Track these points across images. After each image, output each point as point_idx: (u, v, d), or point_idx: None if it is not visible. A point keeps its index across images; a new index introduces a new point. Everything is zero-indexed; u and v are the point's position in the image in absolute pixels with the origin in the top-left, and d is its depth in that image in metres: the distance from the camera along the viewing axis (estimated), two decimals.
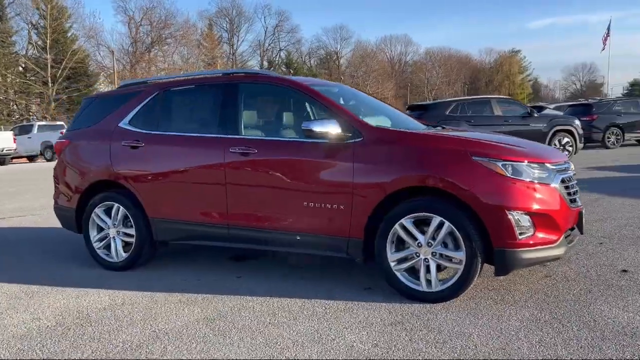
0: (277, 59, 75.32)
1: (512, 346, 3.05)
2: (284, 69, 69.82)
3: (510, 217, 3.56)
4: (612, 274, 4.28)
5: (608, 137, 17.98)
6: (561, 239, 3.74)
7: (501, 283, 4.16)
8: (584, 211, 4.10)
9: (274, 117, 4.88)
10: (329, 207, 4.05)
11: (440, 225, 3.72)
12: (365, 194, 3.91)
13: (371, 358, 2.99)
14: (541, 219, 3.63)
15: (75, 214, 5.18)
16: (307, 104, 4.57)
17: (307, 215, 4.14)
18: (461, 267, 3.69)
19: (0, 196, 11.69)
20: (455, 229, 3.66)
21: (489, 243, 3.64)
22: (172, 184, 4.67)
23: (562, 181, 3.86)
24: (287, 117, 4.74)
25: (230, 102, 4.56)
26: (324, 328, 3.44)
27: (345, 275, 4.58)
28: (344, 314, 3.67)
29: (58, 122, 30.80)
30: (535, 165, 3.73)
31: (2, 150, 25.50)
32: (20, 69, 47.42)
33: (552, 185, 3.73)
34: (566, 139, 13.93)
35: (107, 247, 5.05)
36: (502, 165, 3.64)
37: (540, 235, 3.63)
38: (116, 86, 47.54)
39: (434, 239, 3.77)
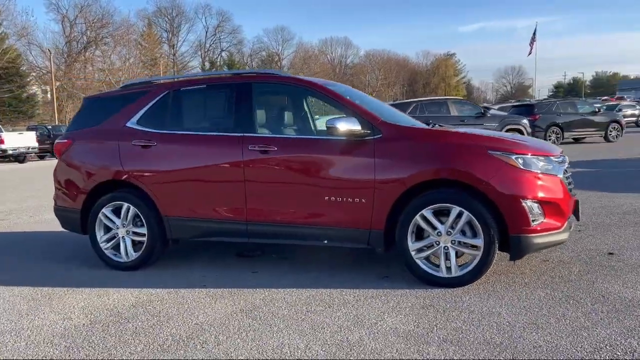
0: (218, 59, 74.53)
1: (541, 320, 3.37)
2: (226, 70, 69.14)
3: (524, 205, 3.89)
4: (600, 257, 4.72)
5: (549, 136, 19.08)
6: (565, 224, 4.12)
7: (506, 268, 4.50)
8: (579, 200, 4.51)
9: (289, 116, 5.03)
10: (351, 200, 4.26)
11: (459, 215, 4.01)
12: (387, 187, 4.15)
13: (420, 337, 3.22)
14: (549, 207, 3.99)
15: (81, 215, 5.13)
16: (323, 103, 4.75)
17: (329, 209, 4.33)
18: (479, 253, 3.99)
19: None
20: (474, 218, 3.96)
21: (504, 230, 3.96)
22: (187, 182, 4.74)
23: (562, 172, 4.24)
24: (302, 116, 4.91)
25: (245, 102, 4.68)
26: (362, 314, 3.64)
27: (359, 266, 4.80)
28: (374, 300, 3.89)
29: None
30: (542, 158, 4.09)
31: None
32: None
33: (558, 175, 4.11)
34: None
35: (115, 247, 5.04)
36: (515, 158, 3.98)
37: (549, 221, 3.99)
38: (53, 87, 45.80)
39: (452, 228, 4.05)
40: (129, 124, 5.01)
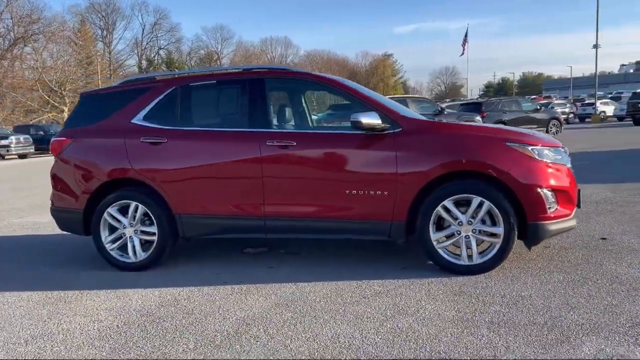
0: (156, 58, 72.65)
1: (572, 301, 3.59)
2: (164, 69, 67.51)
3: (541, 193, 4.12)
4: (596, 242, 5.04)
5: None
6: (574, 211, 4.38)
7: (513, 255, 4.72)
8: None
9: (305, 111, 5.05)
10: (373, 193, 4.35)
11: (480, 205, 4.18)
12: (409, 179, 4.27)
13: (467, 321, 3.35)
14: (562, 195, 4.24)
15: (83, 216, 4.94)
16: (343, 98, 4.81)
17: (351, 203, 4.40)
18: (500, 241, 4.18)
19: None
20: (494, 207, 4.15)
21: (522, 218, 4.16)
22: (202, 179, 4.67)
23: None
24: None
25: (259, 97, 4.67)
26: (400, 302, 3.74)
27: (374, 258, 4.90)
28: (405, 290, 4.00)
29: None
30: (552, 149, 4.33)
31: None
32: None
33: (567, 165, 4.37)
34: None
35: (122, 247, 4.89)
36: (531, 149, 4.20)
37: (562, 209, 4.24)
38: None
39: (472, 217, 4.22)
40: (135, 121, 4.88)
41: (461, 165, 4.20)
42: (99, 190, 4.90)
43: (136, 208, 4.79)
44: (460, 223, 4.24)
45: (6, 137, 28.45)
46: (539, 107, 21.48)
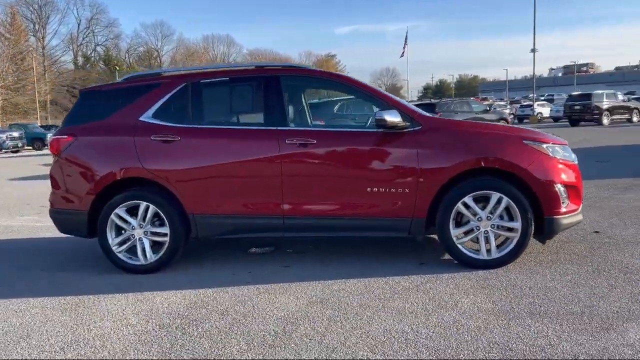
0: (93, 54, 69.97)
1: (597, 291, 3.78)
2: (102, 66, 65.27)
3: (557, 189, 4.31)
4: (591, 235, 5.32)
5: None
6: (581, 206, 4.61)
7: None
8: None
9: (322, 109, 5.04)
10: (394, 191, 4.41)
11: (499, 201, 4.33)
12: (431, 177, 4.36)
13: (507, 313, 3.47)
14: (572, 190, 4.45)
15: (88, 217, 4.74)
16: (360, 97, 4.84)
17: (371, 200, 4.44)
18: (517, 235, 4.34)
19: None
20: (512, 203, 4.30)
21: (538, 213, 4.34)
22: (218, 177, 4.58)
23: None
24: (337, 109, 4.94)
25: (276, 95, 4.63)
26: (434, 297, 3.82)
27: (388, 254, 4.97)
28: (434, 285, 4.08)
29: None
30: (562, 147, 4.54)
31: None
32: None
33: (575, 162, 4.59)
34: None
35: (130, 249, 4.73)
36: (545, 147, 4.39)
37: (571, 204, 4.45)
38: None
39: (491, 213, 4.36)
40: (143, 118, 4.72)
41: (482, 162, 4.33)
42: (105, 190, 4.70)
43: (147, 208, 4.64)
44: (479, 219, 4.37)
45: None
46: (488, 109, 22.29)
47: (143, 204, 4.64)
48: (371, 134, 4.48)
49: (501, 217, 4.38)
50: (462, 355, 2.92)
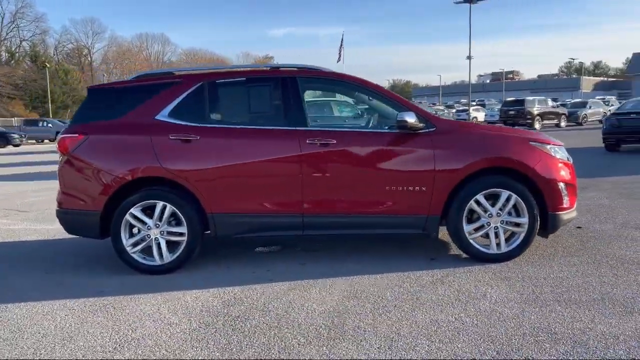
0: (18, 50, 66.28)
1: (605, 279, 4.13)
2: (28, 63, 62.00)
3: (559, 187, 4.66)
4: (576, 231, 5.74)
5: None
6: (576, 203, 4.99)
7: None
8: None
9: (339, 110, 5.15)
10: (412, 189, 4.61)
11: (508, 198, 4.62)
12: (447, 175, 4.59)
13: (537, 301, 3.74)
14: (570, 188, 4.82)
15: (101, 218, 4.63)
16: (374, 99, 4.99)
17: (390, 198, 4.62)
18: (524, 230, 4.65)
19: None
20: (520, 200, 4.60)
21: (542, 209, 4.67)
22: (238, 177, 4.61)
23: None
24: (353, 110, 5.07)
25: (294, 96, 4.71)
26: (462, 289, 4.04)
27: (399, 251, 5.17)
28: (455, 278, 4.30)
29: None
30: (560, 148, 4.91)
31: None
32: None
33: (571, 162, 4.96)
34: None
35: (145, 250, 4.66)
36: (549, 147, 4.73)
37: (570, 201, 4.82)
38: None
39: (500, 209, 4.65)
40: (160, 117, 4.67)
41: (495, 162, 4.60)
42: (120, 190, 4.62)
43: (164, 208, 4.59)
44: (490, 215, 4.64)
45: None
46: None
47: (160, 204, 4.60)
48: (389, 134, 4.66)
49: (509, 214, 4.68)
50: (514, 340, 3.14)
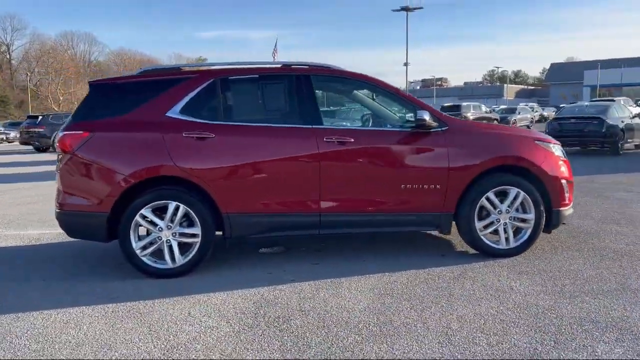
0: None
1: (614, 270, 4.36)
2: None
3: (562, 184, 4.88)
4: (562, 227, 5.95)
5: None
6: (572, 200, 5.24)
7: None
8: None
9: (354, 109, 5.12)
10: (427, 187, 4.68)
11: (517, 195, 4.78)
12: (460, 173, 4.69)
13: (562, 294, 3.89)
14: (570, 185, 5.06)
15: (108, 219, 4.37)
16: (388, 98, 5.01)
17: (406, 196, 4.66)
18: (531, 226, 4.82)
19: None
20: (527, 197, 4.78)
21: (547, 206, 4.87)
22: (255, 176, 4.50)
23: None
24: (367, 109, 5.06)
25: (309, 94, 4.66)
26: (486, 283, 4.13)
27: (412, 247, 5.23)
28: (475, 273, 4.40)
29: None
30: (559, 146, 5.14)
31: None
32: None
33: (567, 160, 5.21)
34: None
35: (155, 252, 4.45)
36: (552, 146, 4.94)
37: (570, 197, 5.06)
38: None
39: (509, 206, 4.80)
40: (171, 114, 4.48)
41: (506, 160, 4.75)
42: (128, 190, 4.38)
43: (176, 208, 4.40)
44: (499, 212, 4.79)
45: None
46: None
47: (172, 204, 4.40)
48: (405, 133, 4.71)
49: (517, 210, 4.84)
50: (563, 329, 3.26)
